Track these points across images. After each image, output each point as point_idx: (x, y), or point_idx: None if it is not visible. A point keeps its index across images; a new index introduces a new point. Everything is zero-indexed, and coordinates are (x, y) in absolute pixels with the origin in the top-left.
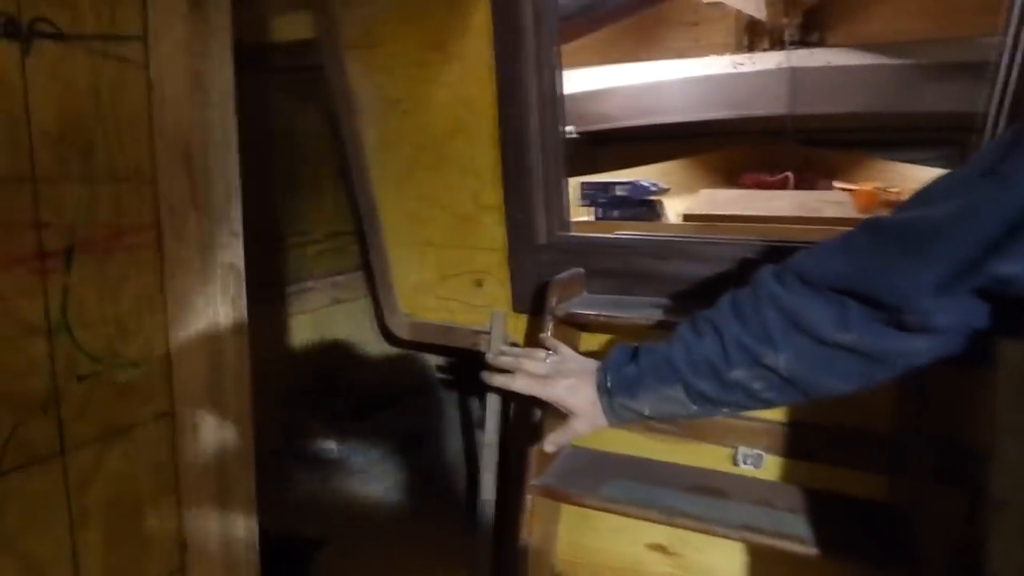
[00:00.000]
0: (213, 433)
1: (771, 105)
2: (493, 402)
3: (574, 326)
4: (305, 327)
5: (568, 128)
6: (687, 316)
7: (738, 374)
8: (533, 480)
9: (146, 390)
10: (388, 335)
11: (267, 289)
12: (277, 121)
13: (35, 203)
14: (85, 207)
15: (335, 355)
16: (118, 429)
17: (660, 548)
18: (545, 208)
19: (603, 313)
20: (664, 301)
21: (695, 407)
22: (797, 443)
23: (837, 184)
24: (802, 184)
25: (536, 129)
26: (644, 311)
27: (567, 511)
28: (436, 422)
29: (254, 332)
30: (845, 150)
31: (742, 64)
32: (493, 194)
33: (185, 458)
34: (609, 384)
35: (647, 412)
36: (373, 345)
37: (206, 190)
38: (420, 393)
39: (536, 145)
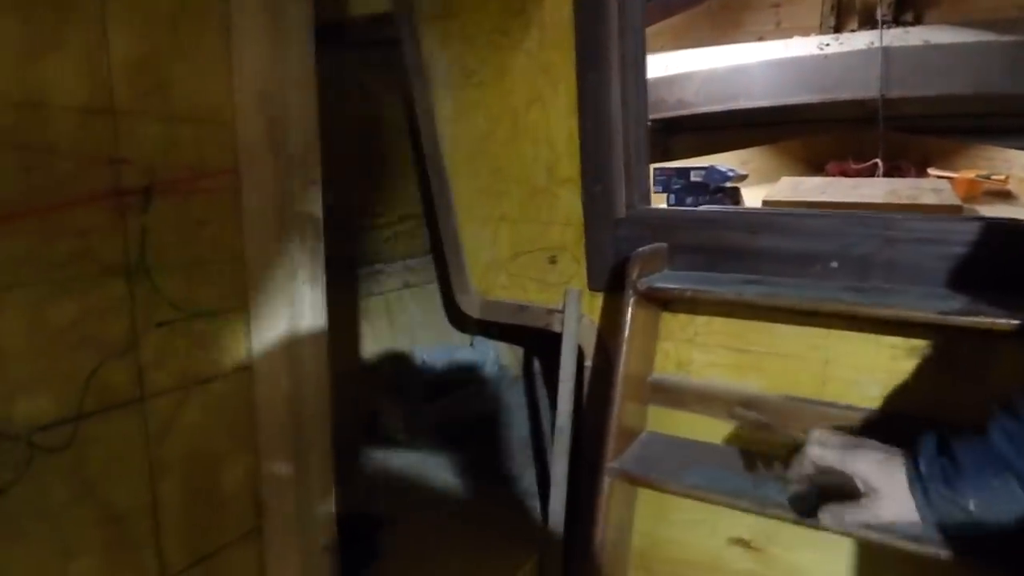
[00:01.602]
0: (291, 390)
1: (861, 88)
2: (566, 386)
3: (656, 302)
4: (378, 309)
5: None
6: (781, 293)
7: None
8: (611, 463)
9: (224, 341)
10: (457, 319)
11: (340, 269)
12: (351, 99)
13: (114, 137)
14: (164, 146)
15: (405, 338)
16: (196, 380)
17: (743, 543)
18: (626, 180)
19: (690, 288)
20: (754, 278)
21: None
22: (900, 436)
23: (933, 171)
24: (892, 172)
25: (618, 94)
26: (734, 287)
27: (642, 502)
28: (502, 407)
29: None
30: (940, 136)
31: (829, 45)
32: (569, 166)
33: (263, 415)
34: (924, 471)
35: (972, 507)
36: (442, 330)
37: (284, 135)
38: (486, 378)
39: (617, 112)
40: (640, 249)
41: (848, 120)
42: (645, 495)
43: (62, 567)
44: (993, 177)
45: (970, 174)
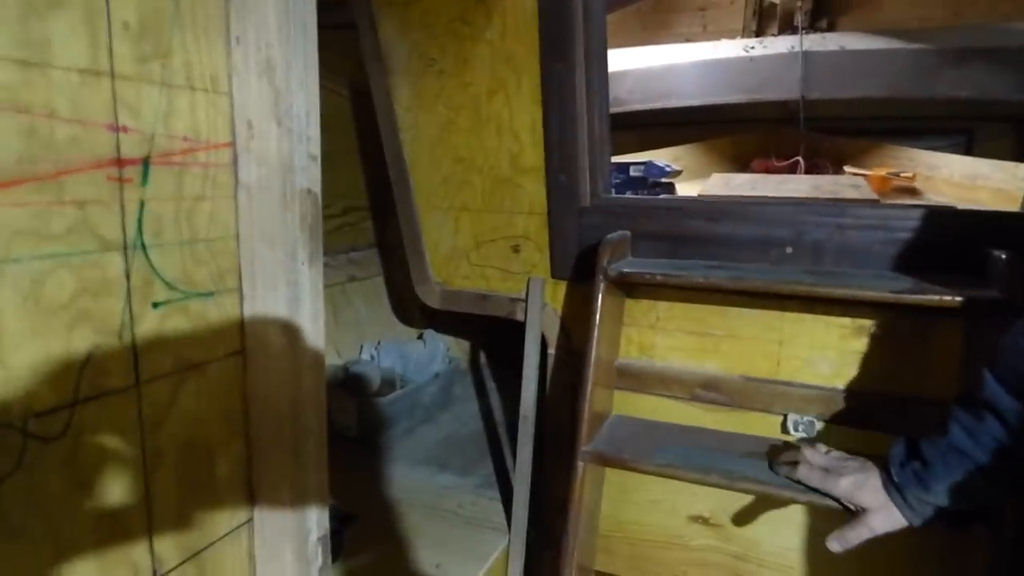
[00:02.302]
0: (287, 376)
1: (783, 90)
2: (530, 374)
3: (622, 288)
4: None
5: None
6: (746, 277)
7: None
8: (585, 446)
9: (218, 323)
10: (405, 313)
11: None
12: None
13: (113, 102)
14: (163, 114)
15: (351, 333)
16: (191, 364)
17: (702, 520)
18: (590, 169)
19: (660, 272)
20: (715, 263)
21: (995, 488)
22: (852, 410)
23: (849, 168)
24: (812, 170)
25: (583, 84)
26: (701, 271)
27: (606, 484)
28: (454, 400)
29: None
30: (854, 137)
31: (754, 48)
32: (533, 156)
33: (256, 402)
34: (896, 479)
35: (946, 503)
36: (389, 324)
37: (286, 107)
38: (437, 372)
39: (582, 101)
40: (610, 236)
41: (771, 120)
42: (608, 477)
43: (54, 565)
44: (902, 174)
45: (882, 171)
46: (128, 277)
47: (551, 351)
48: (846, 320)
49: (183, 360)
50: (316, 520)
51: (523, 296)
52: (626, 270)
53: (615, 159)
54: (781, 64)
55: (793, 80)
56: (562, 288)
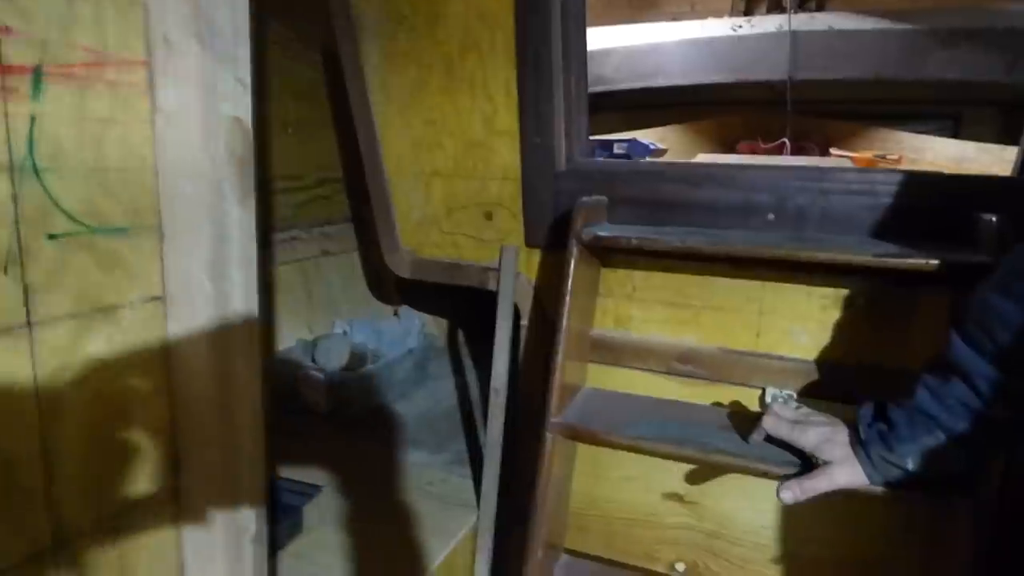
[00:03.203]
0: (214, 326)
1: (771, 70)
2: (502, 345)
3: (596, 256)
4: (293, 278)
5: None
6: (724, 240)
7: (996, 410)
8: (555, 418)
9: (133, 264)
10: (381, 290)
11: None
12: (265, 51)
13: None
14: (59, 19)
15: (325, 309)
16: (100, 307)
17: (676, 497)
18: (566, 132)
19: (635, 236)
20: (694, 230)
21: (964, 453)
22: (832, 383)
23: (835, 151)
24: (798, 152)
25: (559, 41)
26: (678, 236)
27: (578, 460)
28: (429, 377)
29: None
30: (841, 120)
31: (742, 27)
32: (507, 118)
33: (180, 355)
34: (864, 437)
35: (911, 466)
36: (365, 301)
37: (210, 23)
38: (412, 348)
39: (558, 60)
40: (584, 199)
41: (757, 102)
42: (580, 454)
43: None
44: (888, 157)
45: (868, 154)
46: (15, 201)
47: (524, 323)
48: (828, 290)
49: (89, 301)
50: (252, 493)
51: (496, 265)
52: (601, 234)
53: (598, 137)
54: (769, 44)
55: (781, 60)
56: (536, 257)
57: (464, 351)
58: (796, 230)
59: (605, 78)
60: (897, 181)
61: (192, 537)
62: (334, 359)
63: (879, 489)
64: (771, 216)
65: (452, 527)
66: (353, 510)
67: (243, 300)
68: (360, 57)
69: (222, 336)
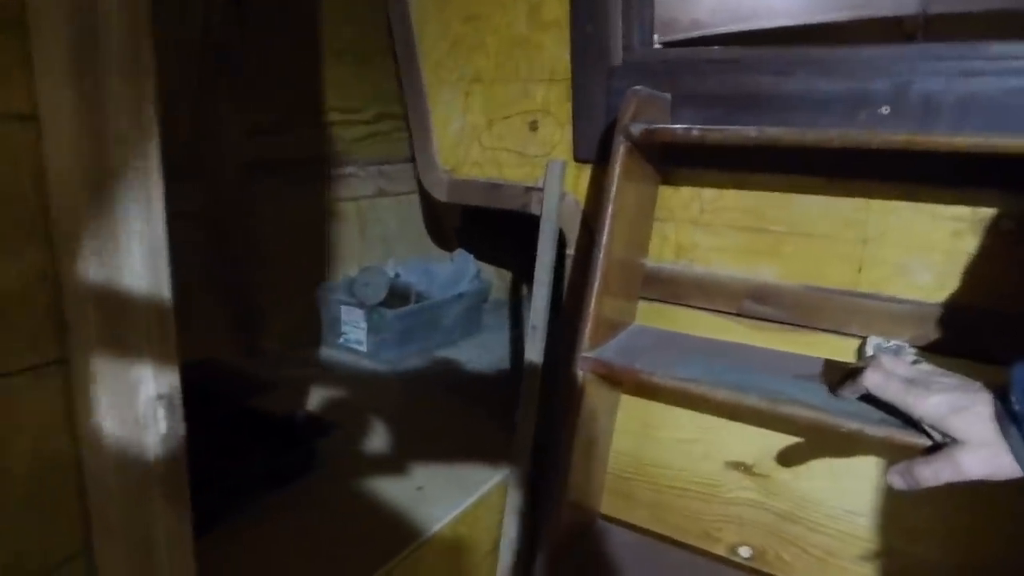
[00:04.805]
0: (94, 152)
1: (898, 3)
2: (543, 277)
3: (653, 163)
4: (347, 216)
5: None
6: (813, 131)
7: None
8: (585, 352)
9: None
10: (440, 235)
11: (305, 167)
12: None
13: None
14: None
15: (378, 249)
16: None
17: (742, 467)
18: (624, 14)
19: (697, 128)
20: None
21: None
22: (960, 334)
23: None
24: None
25: None
26: (754, 126)
27: (625, 416)
28: (478, 324)
29: (292, 214)
30: None
31: None
32: (556, 5)
33: (59, 190)
34: (1019, 409)
35: None
36: (422, 245)
37: None
38: (463, 293)
39: None
40: (636, 88)
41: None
42: (627, 408)
43: None
44: None
45: None
46: None
47: (570, 252)
48: (963, 209)
49: None
50: (158, 368)
51: (540, 185)
52: (654, 127)
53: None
54: None
55: None
56: (586, 174)
57: (526, 305)
58: (922, 126)
59: (700, 22)
60: None
61: (84, 404)
62: (371, 294)
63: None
64: (885, 109)
65: (477, 479)
66: (372, 451)
67: (130, 114)
68: None
69: (104, 165)
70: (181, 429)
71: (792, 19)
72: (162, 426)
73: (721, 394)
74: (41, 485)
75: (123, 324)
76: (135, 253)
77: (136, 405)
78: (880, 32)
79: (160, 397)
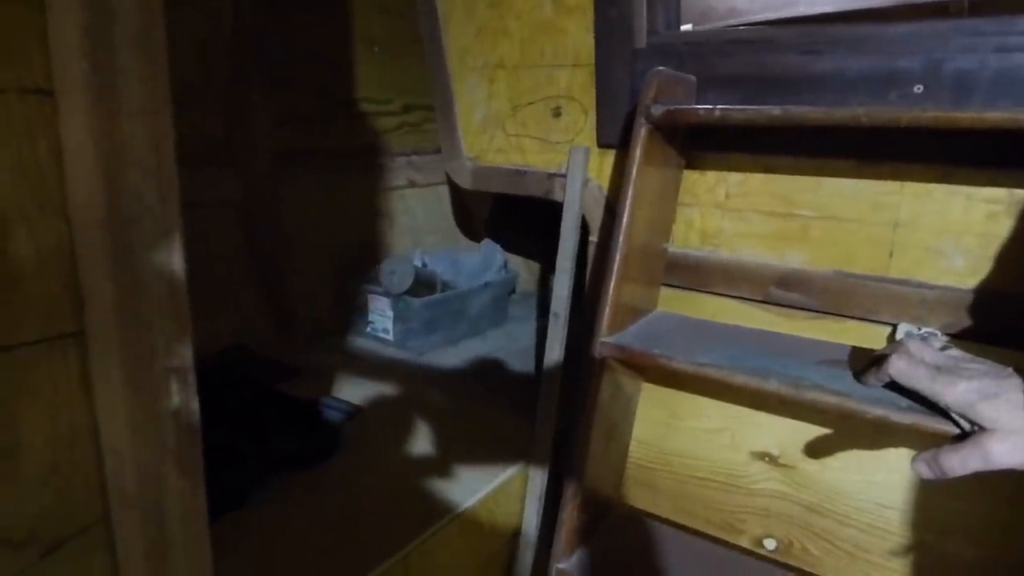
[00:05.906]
0: (111, 128)
1: None
2: (565, 264)
3: (676, 146)
4: (379, 206)
5: (686, 27)
6: (841, 110)
7: None
8: (604, 337)
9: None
10: (469, 226)
11: (336, 157)
12: None
13: None
14: None
15: (406, 239)
16: None
17: (768, 457)
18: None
19: (719, 108)
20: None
21: None
22: (996, 322)
23: None
24: None
25: None
26: (779, 104)
27: (648, 404)
28: (503, 314)
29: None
30: None
31: None
32: None
33: (75, 162)
34: None
35: None
36: (450, 236)
37: None
38: (489, 282)
39: None
40: (659, 68)
41: None
42: (651, 397)
43: None
44: None
45: None
46: None
47: (593, 239)
48: (998, 191)
49: None
50: (171, 342)
51: (563, 171)
52: (675, 107)
53: None
54: None
55: None
56: (609, 160)
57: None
58: (956, 104)
59: (737, 10)
60: None
61: (101, 378)
62: (397, 282)
63: None
64: (919, 88)
65: (499, 466)
66: (394, 435)
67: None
68: None
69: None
70: (194, 402)
71: (834, 5)
72: (175, 399)
73: (741, 379)
74: (58, 455)
75: (137, 298)
76: (148, 227)
77: (151, 378)
78: (924, 18)
79: (174, 371)
